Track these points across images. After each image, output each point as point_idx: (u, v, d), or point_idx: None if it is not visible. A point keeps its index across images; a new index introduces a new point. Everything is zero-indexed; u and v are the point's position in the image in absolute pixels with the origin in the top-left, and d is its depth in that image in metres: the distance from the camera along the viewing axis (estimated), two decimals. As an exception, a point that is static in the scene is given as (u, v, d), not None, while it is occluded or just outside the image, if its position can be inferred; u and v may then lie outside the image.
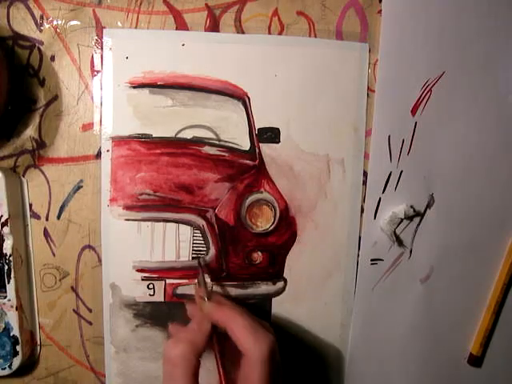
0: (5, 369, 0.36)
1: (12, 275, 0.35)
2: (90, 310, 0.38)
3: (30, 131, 0.36)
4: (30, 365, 0.38)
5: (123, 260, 0.37)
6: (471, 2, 0.37)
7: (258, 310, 0.38)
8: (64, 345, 0.38)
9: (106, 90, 0.36)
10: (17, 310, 0.35)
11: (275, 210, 0.38)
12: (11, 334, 0.36)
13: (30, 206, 0.37)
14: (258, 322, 0.32)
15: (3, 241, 0.35)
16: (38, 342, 0.38)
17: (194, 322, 0.34)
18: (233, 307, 0.34)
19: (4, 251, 0.35)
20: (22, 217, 0.37)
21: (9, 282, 0.35)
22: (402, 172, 0.39)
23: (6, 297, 0.35)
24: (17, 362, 0.36)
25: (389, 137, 0.38)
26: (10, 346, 0.36)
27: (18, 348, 0.36)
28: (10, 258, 0.35)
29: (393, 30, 0.37)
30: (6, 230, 0.35)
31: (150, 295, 0.38)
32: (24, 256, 0.37)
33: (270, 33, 0.37)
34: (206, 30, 0.37)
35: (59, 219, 0.37)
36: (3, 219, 0.35)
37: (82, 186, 0.37)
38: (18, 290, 0.36)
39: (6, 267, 0.35)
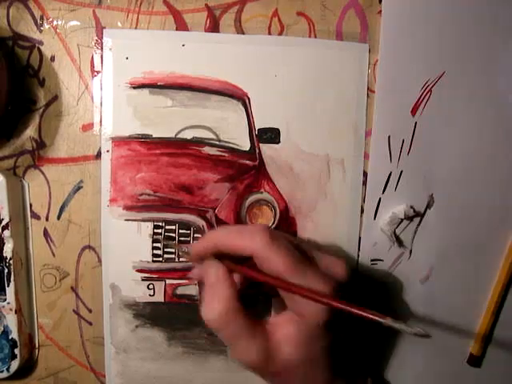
0: (2, 371, 0.36)
1: (12, 278, 0.35)
2: (90, 311, 0.38)
3: (30, 131, 0.36)
4: (27, 368, 0.38)
5: (123, 260, 0.37)
6: (471, 2, 0.37)
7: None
8: (64, 345, 0.38)
9: (106, 91, 0.36)
10: (16, 313, 0.35)
11: (275, 210, 0.38)
12: (10, 337, 0.36)
13: (30, 206, 0.37)
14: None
15: (3, 244, 0.35)
16: (37, 345, 0.38)
17: (205, 282, 0.30)
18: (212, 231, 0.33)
19: (4, 254, 0.35)
20: (23, 220, 0.37)
21: (8, 285, 0.35)
22: (401, 172, 0.39)
23: (5, 300, 0.35)
24: (15, 364, 0.36)
25: (389, 137, 0.38)
26: (8, 349, 0.36)
27: (17, 351, 0.36)
28: (10, 262, 0.35)
29: (393, 31, 0.37)
30: (6, 233, 0.35)
31: (150, 295, 0.38)
32: (24, 259, 0.37)
33: (269, 33, 0.37)
34: (206, 31, 0.37)
35: (59, 219, 0.37)
36: (4, 222, 0.34)
37: (82, 187, 0.37)
38: (18, 293, 0.36)
39: (6, 270, 0.35)
